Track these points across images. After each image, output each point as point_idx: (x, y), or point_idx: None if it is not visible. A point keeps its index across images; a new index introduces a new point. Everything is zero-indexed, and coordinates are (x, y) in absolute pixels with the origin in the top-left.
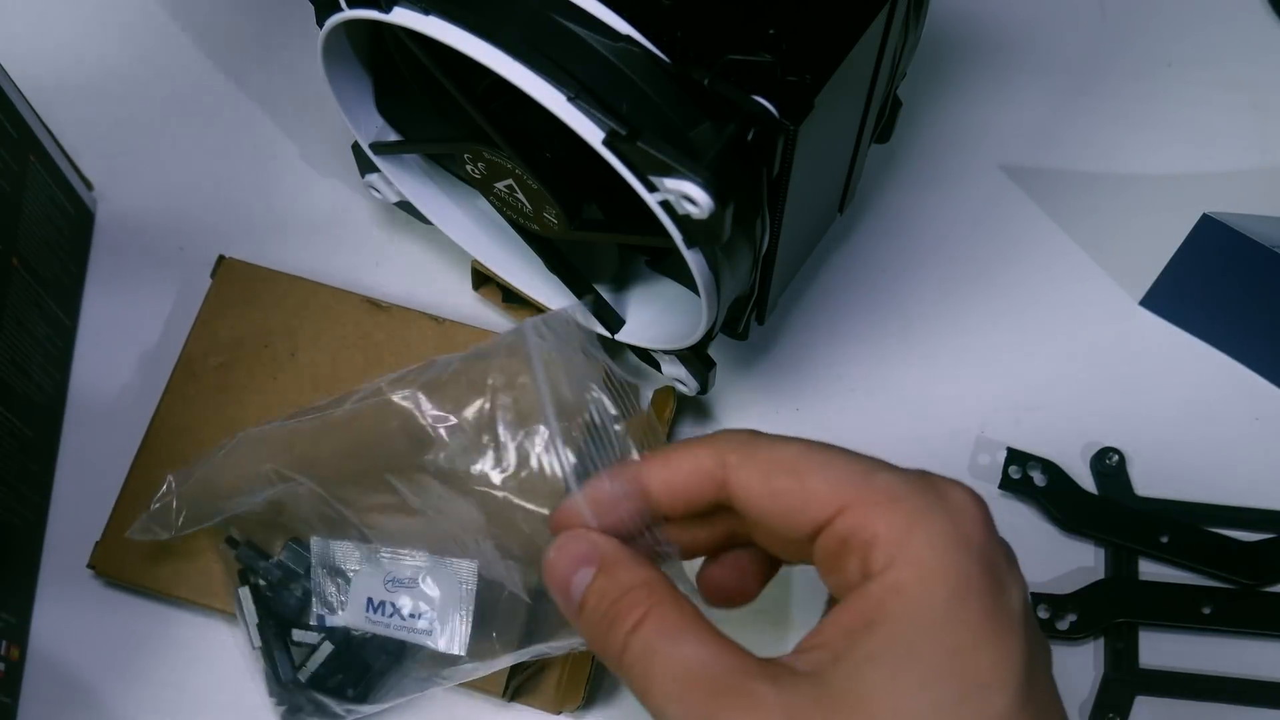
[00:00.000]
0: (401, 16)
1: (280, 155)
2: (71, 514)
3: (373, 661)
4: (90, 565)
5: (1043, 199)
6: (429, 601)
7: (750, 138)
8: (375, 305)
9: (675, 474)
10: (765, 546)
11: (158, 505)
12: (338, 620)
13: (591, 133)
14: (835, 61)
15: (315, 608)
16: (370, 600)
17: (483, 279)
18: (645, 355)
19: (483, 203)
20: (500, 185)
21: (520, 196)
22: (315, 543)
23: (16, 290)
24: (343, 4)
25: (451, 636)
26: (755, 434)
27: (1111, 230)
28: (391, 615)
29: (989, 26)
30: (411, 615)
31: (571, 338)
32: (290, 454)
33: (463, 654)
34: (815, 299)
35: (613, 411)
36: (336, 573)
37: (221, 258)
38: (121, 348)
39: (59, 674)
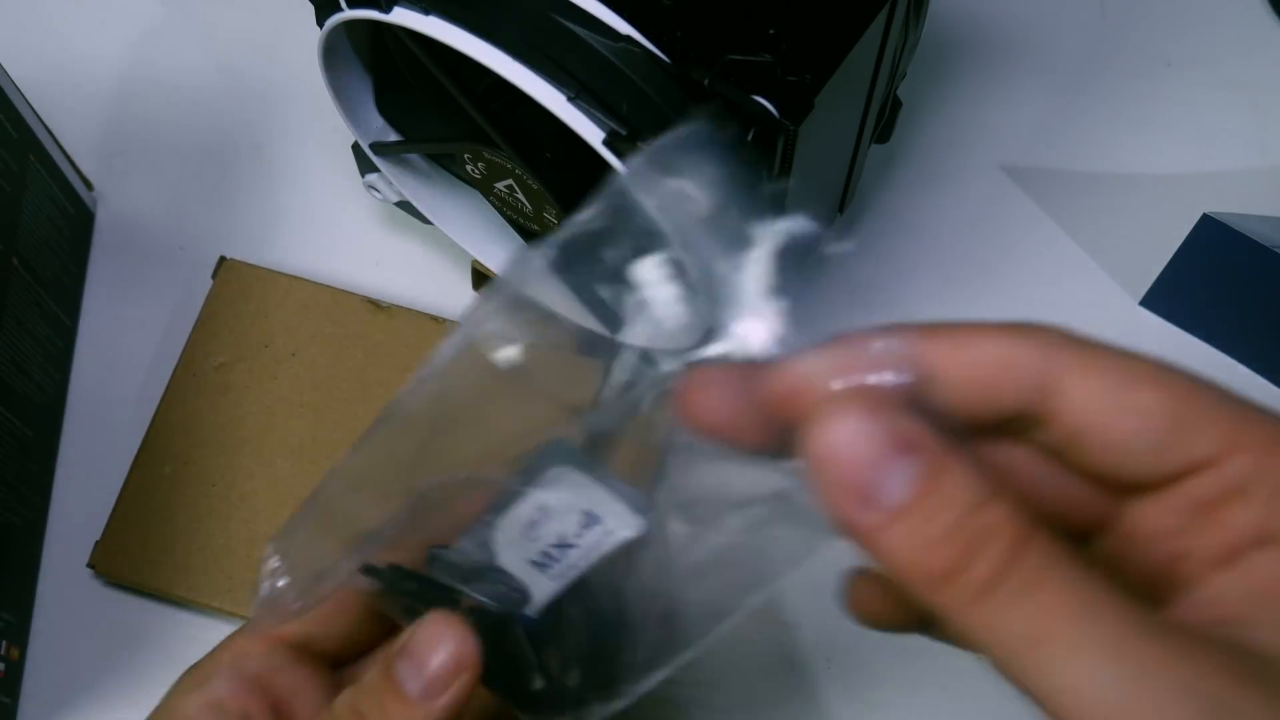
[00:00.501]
0: (401, 16)
1: (280, 155)
2: (71, 514)
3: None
4: (90, 565)
5: (1042, 199)
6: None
7: (750, 138)
8: (375, 305)
9: (976, 361)
10: (1057, 496)
11: (270, 586)
12: (533, 604)
13: (591, 133)
14: (835, 61)
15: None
16: (533, 562)
17: (483, 279)
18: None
19: (483, 203)
20: (500, 185)
21: (520, 196)
22: (463, 543)
23: (16, 290)
24: (343, 4)
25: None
26: (1077, 334)
27: (1111, 230)
28: (562, 550)
29: (989, 26)
30: (575, 535)
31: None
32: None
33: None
34: (815, 298)
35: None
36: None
37: (222, 259)
38: (121, 348)
39: (59, 674)
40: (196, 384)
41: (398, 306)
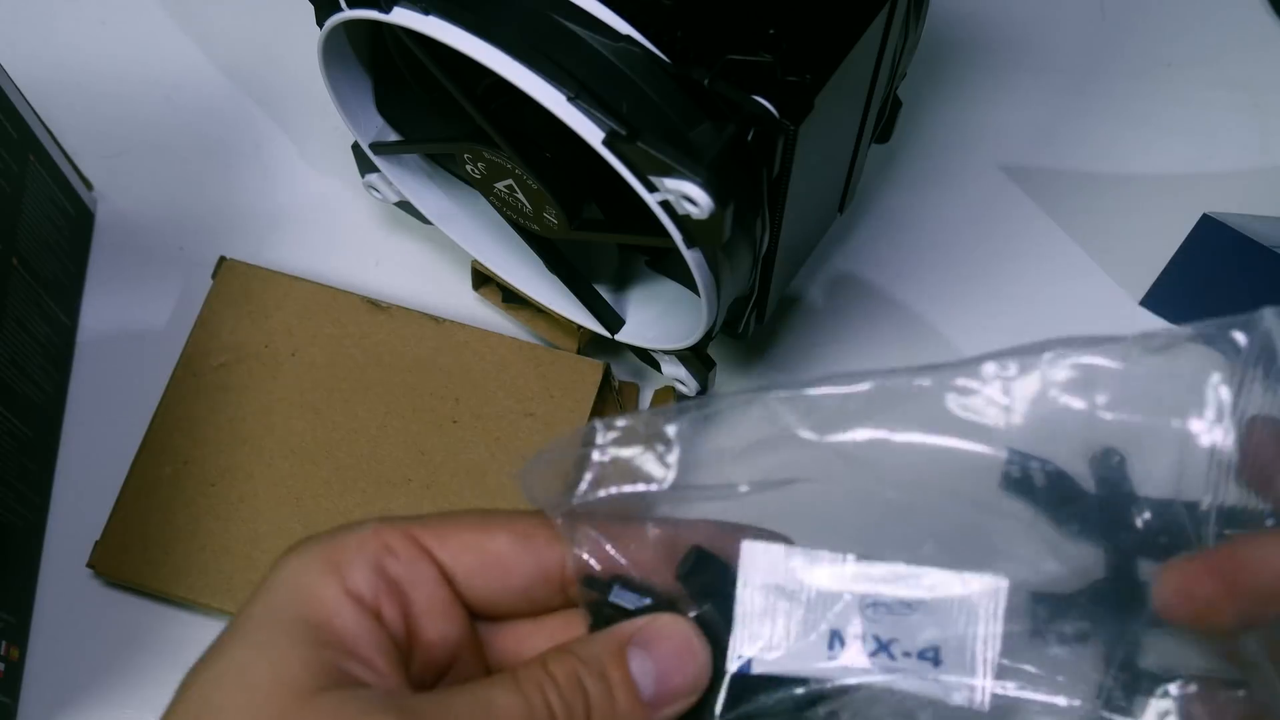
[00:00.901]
0: (401, 16)
1: (280, 155)
2: (71, 514)
3: None
4: (90, 565)
5: (1042, 198)
6: (943, 626)
7: (750, 138)
8: (375, 305)
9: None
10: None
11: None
12: (775, 666)
13: (591, 133)
14: (835, 61)
15: (736, 647)
16: (836, 635)
17: (483, 279)
18: (645, 355)
19: (483, 203)
20: (500, 185)
21: (520, 196)
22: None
23: (16, 290)
24: (343, 4)
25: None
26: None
27: (1111, 230)
28: (891, 654)
29: (989, 26)
30: (923, 654)
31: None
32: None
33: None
34: (815, 299)
35: None
36: (783, 594)
37: (222, 259)
38: (121, 348)
39: (59, 674)
40: (196, 384)
41: (398, 306)
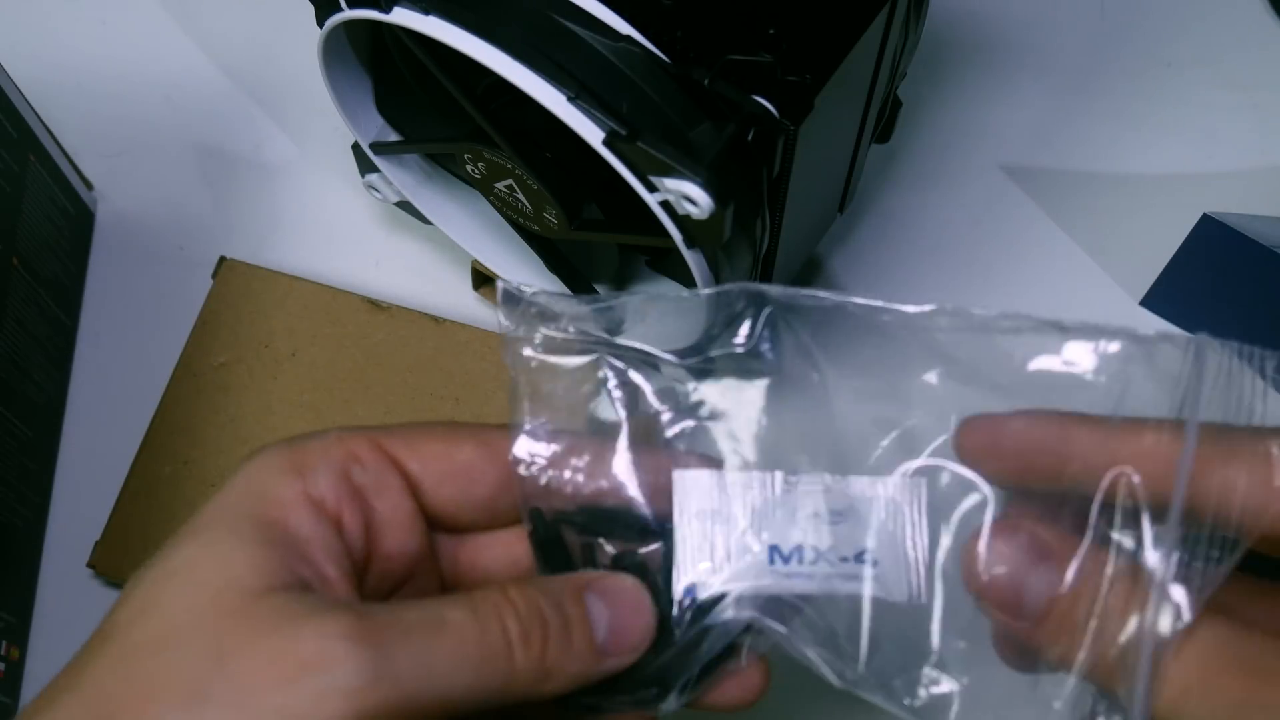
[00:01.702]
0: (401, 16)
1: (280, 155)
2: (71, 514)
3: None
4: (90, 565)
5: (1042, 198)
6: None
7: (750, 138)
8: (375, 305)
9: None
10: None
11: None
12: (715, 589)
13: (591, 133)
14: (835, 61)
15: (681, 576)
16: (776, 549)
17: (483, 279)
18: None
19: (483, 203)
20: (500, 185)
21: (520, 196)
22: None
23: (16, 290)
24: (343, 4)
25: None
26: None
27: (1111, 230)
28: (815, 560)
29: (989, 26)
30: (859, 557)
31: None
32: None
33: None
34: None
35: None
36: (719, 518)
37: (222, 259)
38: (121, 348)
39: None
40: (196, 384)
41: (398, 306)
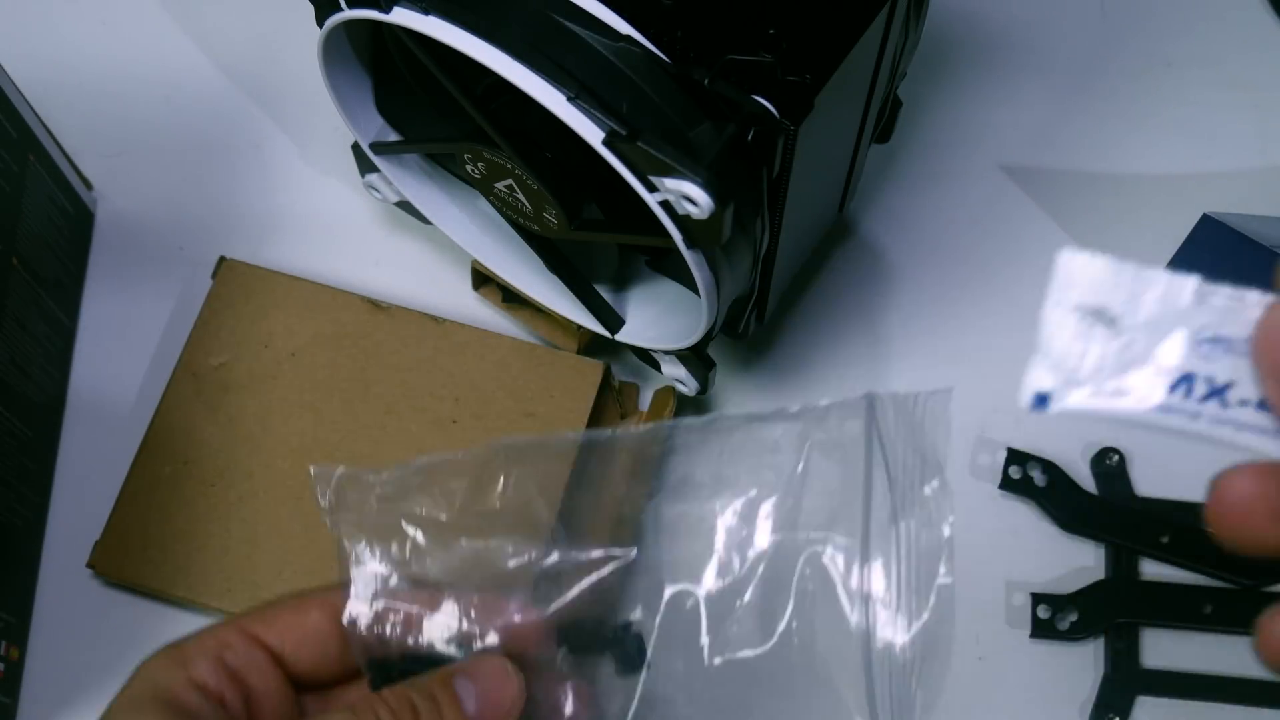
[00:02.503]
0: (401, 16)
1: (280, 155)
2: (71, 514)
3: None
4: (90, 565)
5: (1042, 198)
6: None
7: (750, 138)
8: (375, 305)
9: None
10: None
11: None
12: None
13: (591, 133)
14: (835, 61)
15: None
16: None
17: (483, 279)
18: (645, 355)
19: (483, 203)
20: (500, 185)
21: (520, 196)
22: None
23: (16, 290)
24: (343, 4)
25: None
26: None
27: (1111, 230)
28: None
29: (989, 26)
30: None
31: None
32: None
33: None
34: (815, 298)
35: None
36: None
37: (222, 259)
38: (121, 348)
39: (59, 674)
40: (196, 384)
41: (398, 306)
